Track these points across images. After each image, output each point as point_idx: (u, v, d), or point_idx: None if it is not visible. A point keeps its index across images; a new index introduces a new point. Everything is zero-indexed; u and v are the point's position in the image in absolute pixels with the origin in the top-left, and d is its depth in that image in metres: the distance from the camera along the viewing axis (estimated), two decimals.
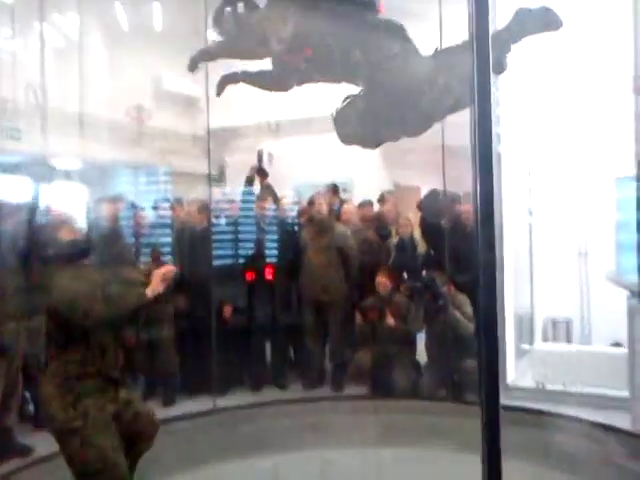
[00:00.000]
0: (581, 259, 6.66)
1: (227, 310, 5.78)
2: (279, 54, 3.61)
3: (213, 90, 6.34)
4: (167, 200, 6.37)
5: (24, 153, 6.57)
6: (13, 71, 6.59)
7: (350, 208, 6.39)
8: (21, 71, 6.72)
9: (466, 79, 3.47)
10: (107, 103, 7.29)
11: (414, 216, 6.25)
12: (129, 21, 8.09)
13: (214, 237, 5.80)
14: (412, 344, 5.73)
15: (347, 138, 3.78)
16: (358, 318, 5.69)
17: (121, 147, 7.50)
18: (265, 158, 7.27)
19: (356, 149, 7.72)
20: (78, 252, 3.22)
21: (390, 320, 5.46)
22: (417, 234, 6.05)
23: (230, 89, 7.51)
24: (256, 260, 6.03)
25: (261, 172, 6.57)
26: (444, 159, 5.66)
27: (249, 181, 6.55)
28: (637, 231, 4.13)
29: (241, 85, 8.11)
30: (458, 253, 5.27)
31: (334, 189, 6.79)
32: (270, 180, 6.74)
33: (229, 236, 6.01)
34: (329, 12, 3.51)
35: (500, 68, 3.27)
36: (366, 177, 8.05)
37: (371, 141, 3.92)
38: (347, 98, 3.67)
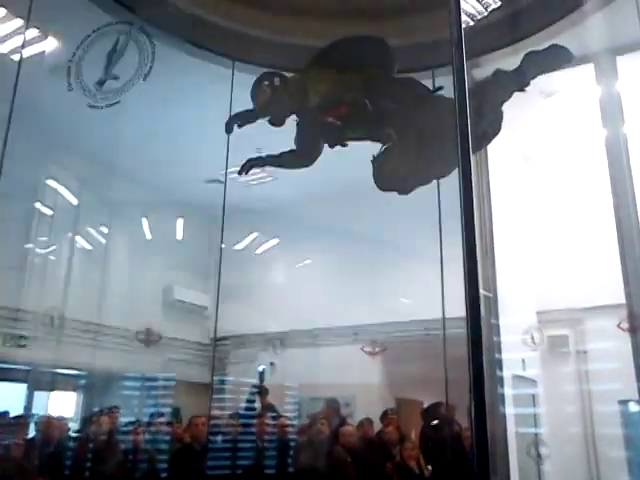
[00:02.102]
0: None
1: None
2: (315, 110, 3.92)
3: (223, 299, 6.62)
4: (163, 414, 6.28)
5: (28, 360, 6.65)
6: (41, 278, 6.97)
7: (349, 430, 6.22)
8: (47, 279, 7.09)
9: (494, 106, 3.75)
10: (121, 313, 7.55)
11: (416, 430, 6.13)
12: (152, 233, 8.71)
13: (211, 451, 5.65)
14: None
15: (385, 185, 3.96)
16: None
17: (128, 355, 7.60)
18: (268, 368, 7.31)
19: (359, 363, 7.89)
20: None
21: None
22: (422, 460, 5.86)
23: (236, 300, 7.82)
24: (254, 475, 5.79)
25: (262, 391, 6.60)
26: (447, 372, 5.67)
27: (250, 400, 6.54)
28: None
29: (248, 294, 8.48)
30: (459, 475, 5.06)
31: (335, 407, 6.71)
32: (271, 390, 6.73)
33: (228, 452, 5.85)
34: (357, 73, 3.88)
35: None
36: (368, 391, 7.97)
37: (406, 186, 4.07)
38: (383, 148, 3.90)
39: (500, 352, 5.25)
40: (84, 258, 7.98)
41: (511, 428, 5.40)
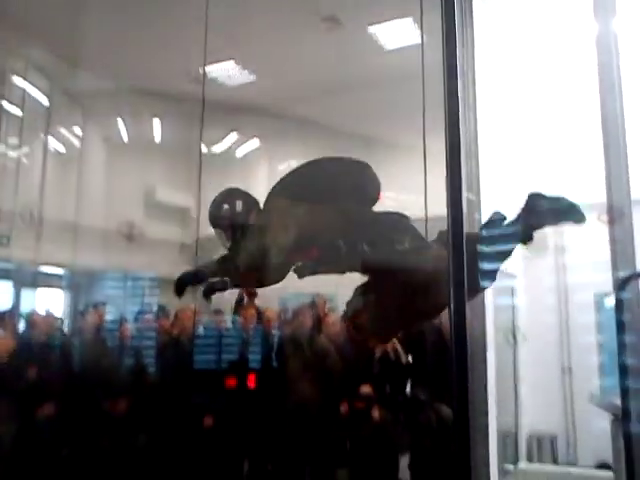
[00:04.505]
0: (565, 376, 6.68)
1: (208, 420, 5.66)
2: (282, 249, 3.38)
3: (204, 200, 6.59)
4: (150, 311, 6.37)
5: (11, 259, 6.64)
6: (14, 179, 6.82)
7: (333, 320, 6.40)
8: (22, 179, 6.95)
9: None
10: (101, 213, 7.49)
11: None
12: (128, 135, 8.52)
13: (197, 345, 5.79)
14: (394, 463, 5.59)
15: (360, 331, 3.72)
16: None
17: (111, 255, 7.62)
18: None
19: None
20: None
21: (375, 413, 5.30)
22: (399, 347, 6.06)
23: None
24: (238, 368, 5.98)
25: (251, 294, 6.66)
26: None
27: (238, 301, 6.60)
28: (617, 354, 4.14)
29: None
30: (440, 365, 5.26)
31: (320, 302, 6.83)
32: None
33: (212, 345, 5.99)
34: (330, 208, 3.34)
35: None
36: (350, 287, 8.10)
37: (383, 335, 3.82)
38: (357, 290, 3.52)
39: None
40: (60, 160, 7.84)
41: (490, 318, 5.56)
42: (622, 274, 4.62)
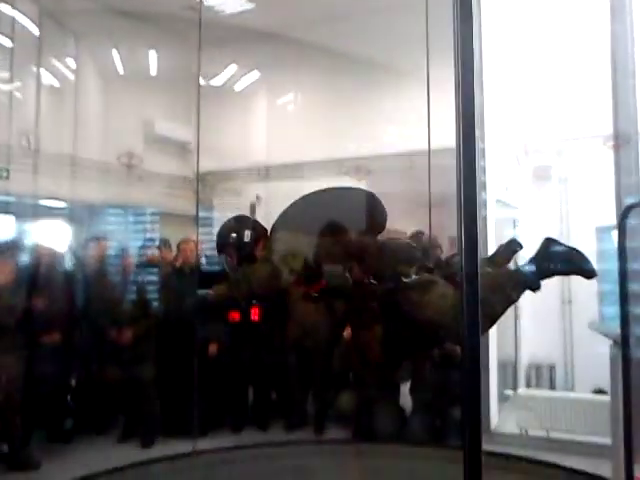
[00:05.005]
0: (565, 307, 6.76)
1: (212, 348, 5.75)
2: (287, 278, 3.32)
3: (203, 134, 6.49)
4: (154, 241, 6.38)
5: (11, 192, 6.60)
6: (8, 112, 6.69)
7: None
8: (17, 112, 6.81)
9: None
10: (100, 146, 7.40)
11: None
12: (124, 66, 8.31)
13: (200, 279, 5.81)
14: (395, 388, 5.71)
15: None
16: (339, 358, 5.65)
17: (111, 188, 7.57)
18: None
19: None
20: None
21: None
22: None
23: (220, 132, 7.72)
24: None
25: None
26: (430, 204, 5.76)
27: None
28: (619, 281, 4.16)
29: (232, 128, 8.36)
30: None
31: None
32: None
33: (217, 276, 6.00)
34: (335, 240, 3.29)
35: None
36: None
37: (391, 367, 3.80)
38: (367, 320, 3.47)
39: (485, 175, 5.29)
40: (55, 93, 7.67)
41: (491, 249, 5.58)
42: (626, 201, 4.62)
